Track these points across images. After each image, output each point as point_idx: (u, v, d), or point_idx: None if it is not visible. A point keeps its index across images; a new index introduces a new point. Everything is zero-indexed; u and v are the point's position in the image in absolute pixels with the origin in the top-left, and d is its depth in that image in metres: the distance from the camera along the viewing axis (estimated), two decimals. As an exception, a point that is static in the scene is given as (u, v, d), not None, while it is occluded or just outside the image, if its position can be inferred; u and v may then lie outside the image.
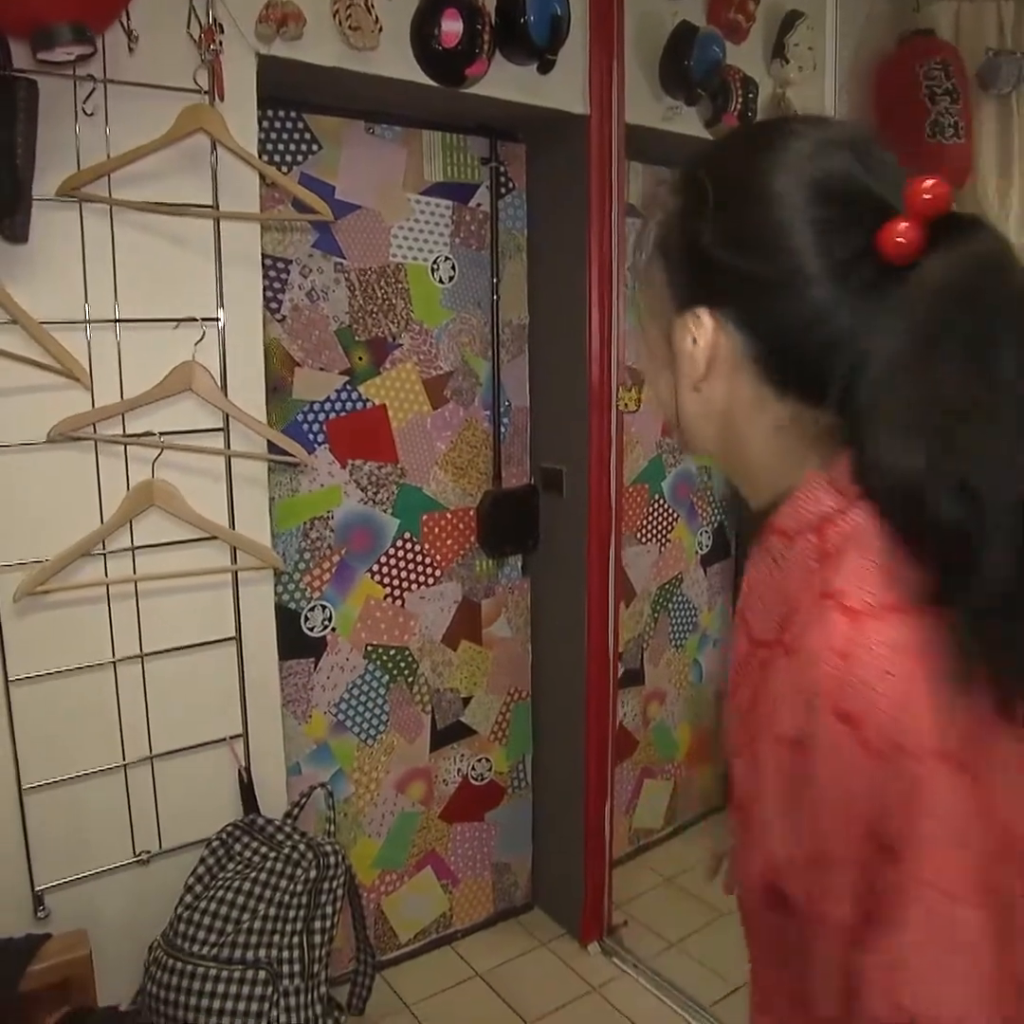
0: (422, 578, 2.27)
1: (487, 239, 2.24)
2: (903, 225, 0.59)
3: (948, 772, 0.54)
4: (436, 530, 2.27)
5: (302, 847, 1.66)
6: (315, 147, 1.98)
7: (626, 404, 2.15)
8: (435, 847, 2.38)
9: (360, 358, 2.09)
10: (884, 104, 2.56)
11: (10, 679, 1.55)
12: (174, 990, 1.57)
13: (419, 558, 2.25)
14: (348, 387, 2.09)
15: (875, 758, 0.54)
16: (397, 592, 2.22)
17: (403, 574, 2.23)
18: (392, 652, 2.24)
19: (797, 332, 0.63)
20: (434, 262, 2.17)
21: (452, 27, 1.79)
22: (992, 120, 2.57)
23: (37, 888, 1.61)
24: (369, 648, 2.20)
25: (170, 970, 1.58)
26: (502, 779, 2.48)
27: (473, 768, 2.42)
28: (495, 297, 2.26)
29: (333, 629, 2.13)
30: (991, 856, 0.56)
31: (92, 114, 1.53)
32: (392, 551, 2.20)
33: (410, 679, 2.29)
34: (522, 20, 1.87)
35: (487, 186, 2.21)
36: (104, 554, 1.62)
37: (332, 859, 1.66)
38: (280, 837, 1.70)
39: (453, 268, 2.20)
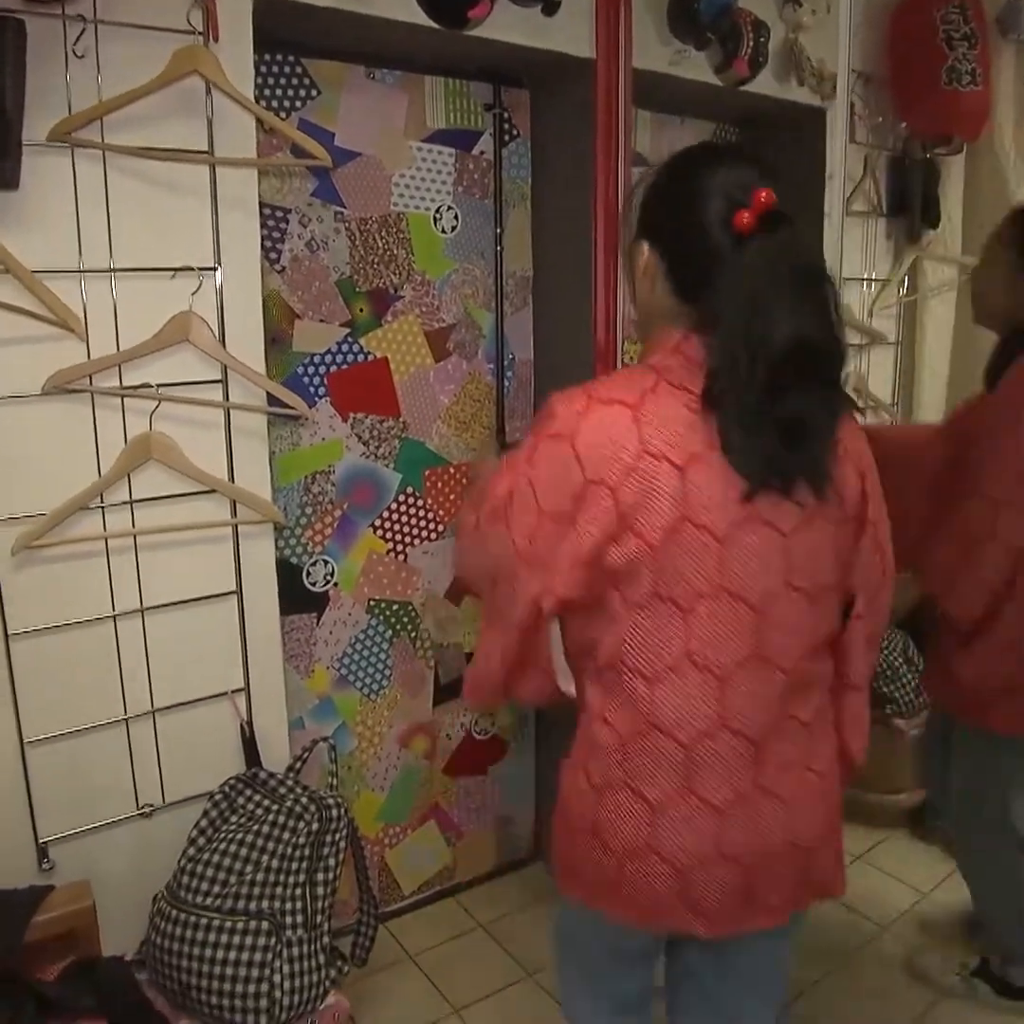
0: (425, 533, 2.25)
1: (490, 188, 2.20)
2: (746, 214, 1.05)
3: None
4: (439, 485, 2.25)
5: (304, 800, 1.66)
6: (314, 93, 1.92)
7: (632, 357, 2.11)
8: (438, 800, 2.40)
9: (361, 310, 2.06)
10: (900, 49, 2.50)
11: (10, 633, 1.54)
12: (178, 940, 1.58)
13: (422, 513, 2.24)
14: (349, 339, 2.06)
15: None
16: (400, 547, 2.22)
17: (406, 529, 2.22)
18: (395, 607, 2.24)
19: (689, 258, 1.11)
20: (437, 211, 2.14)
21: (455, -34, 1.75)
22: (1011, 67, 2.51)
23: (41, 840, 1.62)
24: (371, 603, 2.20)
25: (174, 921, 1.60)
26: (505, 732, 2.49)
27: (476, 722, 2.43)
28: (499, 248, 2.22)
29: (335, 584, 2.13)
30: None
31: (83, 56, 1.49)
32: (394, 506, 2.19)
33: (413, 634, 2.28)
34: (526, -42, 1.82)
35: (490, 133, 2.16)
36: (102, 508, 1.61)
37: (334, 812, 1.66)
38: (282, 790, 1.71)
39: (456, 217, 2.17)
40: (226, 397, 1.69)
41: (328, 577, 2.12)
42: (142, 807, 1.72)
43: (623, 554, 1.06)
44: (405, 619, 2.26)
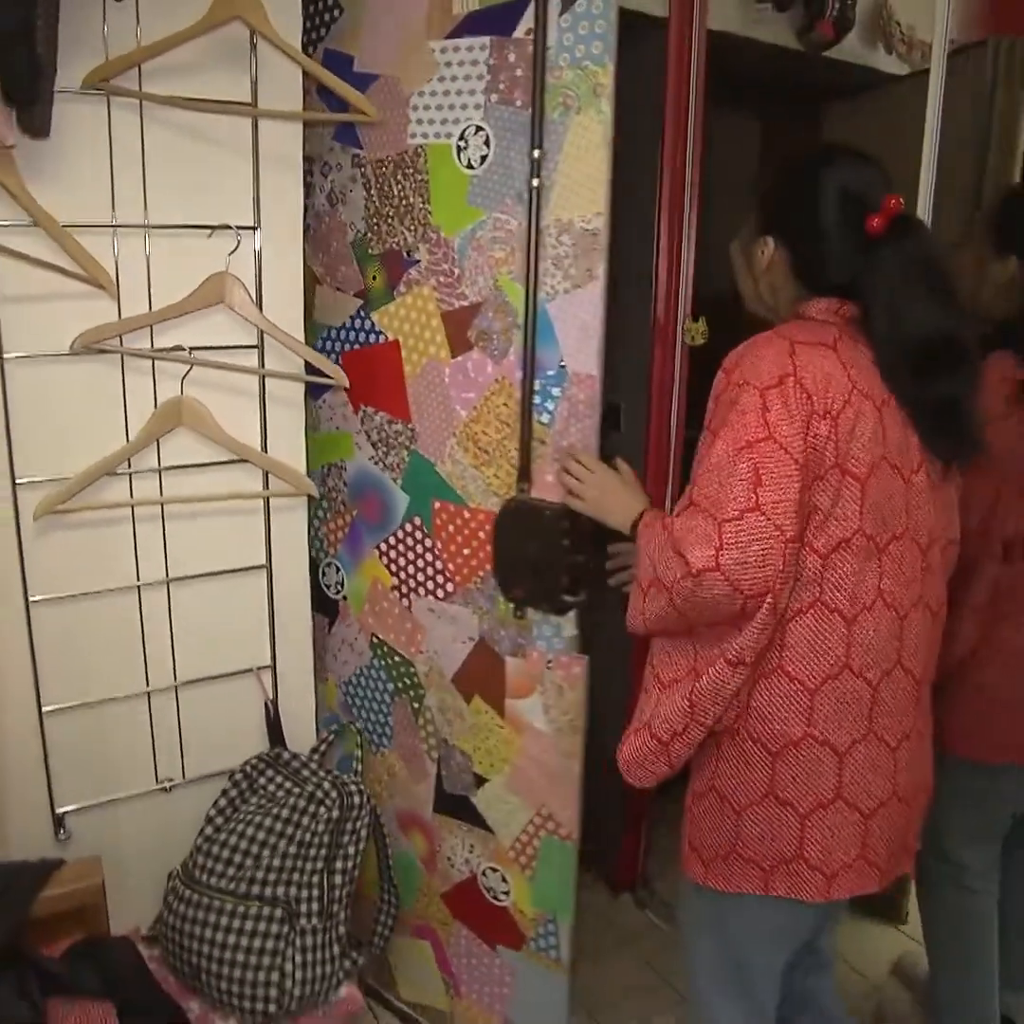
0: (432, 584, 1.72)
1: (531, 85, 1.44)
2: (877, 219, 1.15)
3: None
4: (450, 528, 1.67)
5: (327, 785, 1.61)
6: (336, 13, 1.65)
7: (693, 337, 1.99)
8: (435, 927, 1.90)
9: (374, 277, 1.69)
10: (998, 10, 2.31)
11: (31, 600, 1.50)
12: (190, 922, 1.54)
13: (429, 558, 1.72)
14: (362, 313, 1.71)
15: None
16: (405, 588, 1.76)
17: (411, 568, 1.74)
18: (397, 659, 1.81)
19: (817, 255, 1.22)
20: (461, 136, 1.53)
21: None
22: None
23: (58, 811, 1.59)
24: (375, 640, 1.83)
25: (187, 901, 1.55)
26: (525, 920, 1.77)
27: (486, 872, 1.77)
28: (534, 182, 1.43)
29: (344, 597, 1.87)
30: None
31: (121, 1, 1.41)
32: (401, 534, 1.74)
33: (416, 704, 1.80)
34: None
35: None
36: (129, 474, 1.55)
37: (356, 799, 1.61)
38: (305, 773, 1.65)
39: (487, 142, 1.50)
40: (261, 364, 1.62)
41: (338, 586, 1.87)
42: (161, 782, 1.68)
43: (831, 489, 1.10)
44: (407, 680, 1.80)
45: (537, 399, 1.51)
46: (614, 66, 1.37)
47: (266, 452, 1.64)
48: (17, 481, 1.46)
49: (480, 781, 1.72)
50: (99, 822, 1.63)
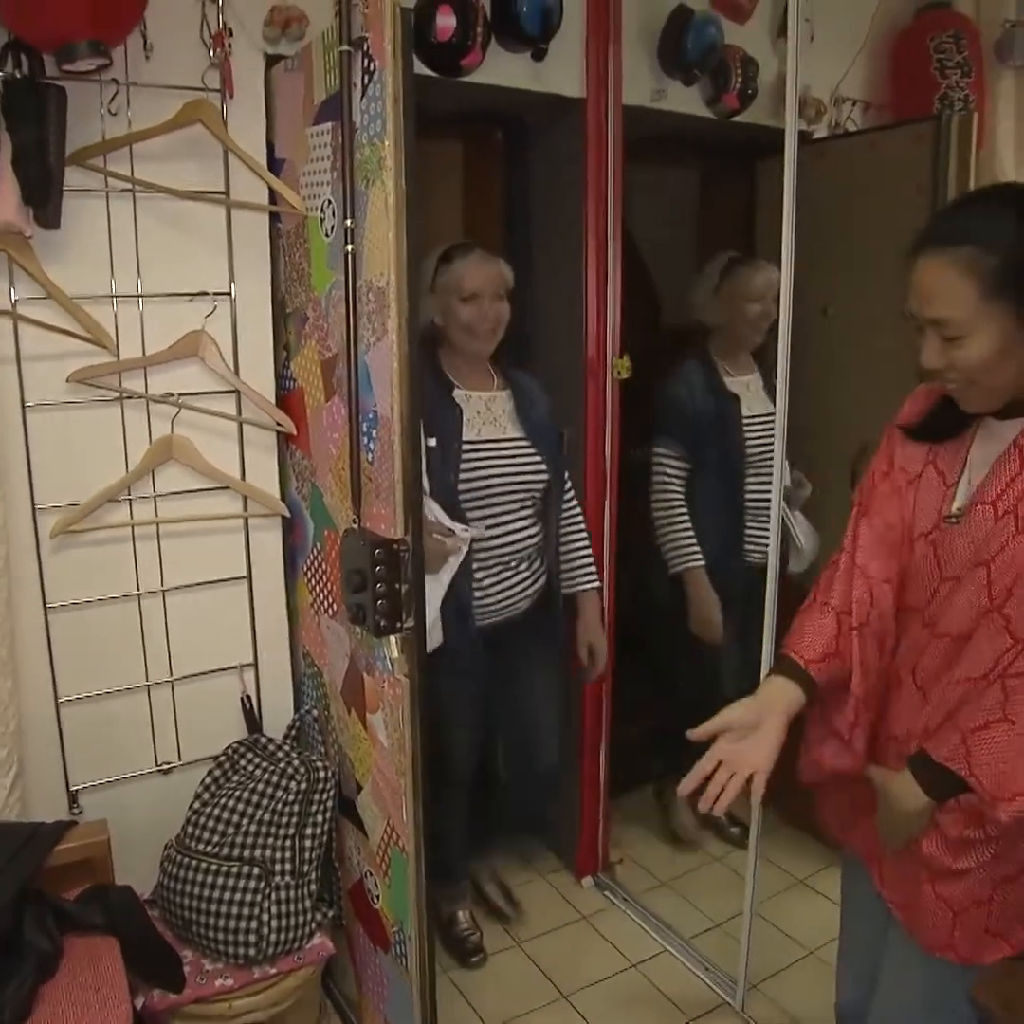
0: (328, 603, 1.93)
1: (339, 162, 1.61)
2: None
3: None
4: (332, 553, 1.87)
5: (296, 762, 1.87)
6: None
7: (620, 372, 2.27)
8: None
9: (290, 332, 1.95)
10: (898, 78, 2.59)
11: (48, 606, 1.80)
12: (182, 881, 1.81)
13: (325, 578, 1.94)
14: (286, 363, 1.98)
15: None
16: (317, 606, 1.98)
17: (319, 588, 1.97)
18: (315, 669, 2.05)
19: None
20: (321, 209, 1.75)
21: (446, 22, 1.94)
22: (1010, 92, 2.57)
23: (72, 787, 1.87)
24: (305, 653, 2.09)
25: (179, 864, 1.82)
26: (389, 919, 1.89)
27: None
28: (347, 247, 1.58)
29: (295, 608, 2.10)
30: None
31: (116, 114, 1.74)
32: (312, 555, 1.97)
33: (327, 712, 2.02)
34: (515, 11, 2.00)
35: (338, 76, 1.56)
36: (129, 499, 1.85)
37: (321, 774, 1.87)
38: (279, 754, 1.92)
39: (334, 213, 1.70)
40: (239, 408, 1.92)
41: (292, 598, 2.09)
42: (161, 764, 1.96)
43: None
44: (321, 688, 2.03)
45: (364, 440, 1.67)
46: (396, 142, 1.47)
47: (244, 479, 1.94)
48: (37, 507, 1.77)
49: (359, 787, 1.91)
50: (107, 798, 1.91)
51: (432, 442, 1.97)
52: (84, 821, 1.82)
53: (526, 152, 2.39)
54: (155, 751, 1.96)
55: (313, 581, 1.99)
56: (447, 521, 1.97)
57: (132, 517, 1.86)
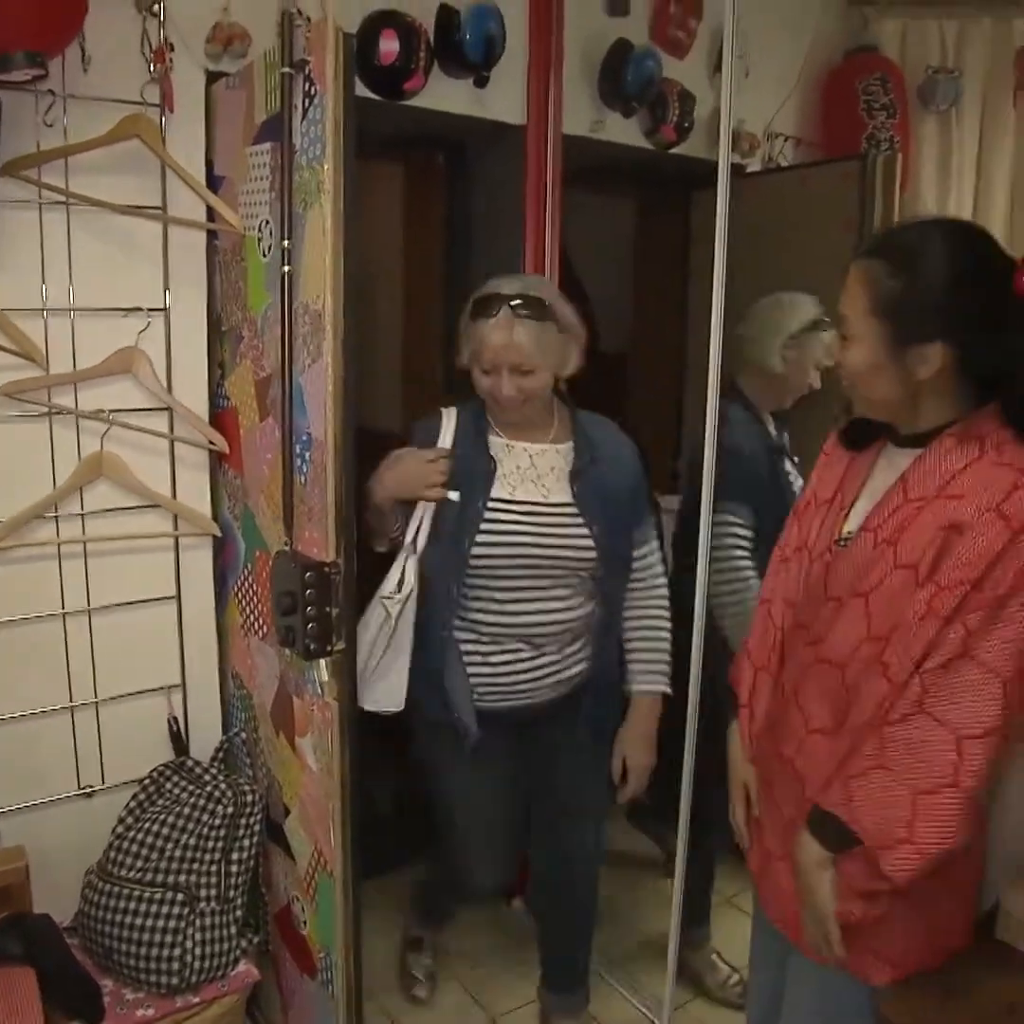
0: (258, 625, 1.91)
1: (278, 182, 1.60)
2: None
3: None
4: (264, 574, 1.83)
5: (223, 786, 1.85)
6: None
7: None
8: None
9: (225, 350, 1.93)
10: (828, 116, 2.68)
11: (-32, 624, 1.75)
12: (103, 909, 1.77)
13: (256, 600, 1.91)
14: (221, 381, 1.95)
15: None
16: (247, 627, 1.95)
17: (249, 609, 1.94)
18: (244, 691, 2.01)
19: (997, 333, 1.17)
20: (259, 229, 1.74)
21: (389, 46, 1.96)
22: (932, 136, 2.68)
23: (-11, 813, 1.82)
24: (234, 674, 2.05)
25: (101, 891, 1.78)
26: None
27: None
28: (284, 269, 1.58)
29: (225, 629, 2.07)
30: None
31: (52, 125, 1.71)
32: (243, 575, 1.94)
33: (255, 734, 1.99)
34: (458, 38, 2.03)
35: (280, 97, 1.56)
36: (56, 517, 1.81)
37: (248, 798, 1.84)
38: (206, 777, 1.89)
39: (272, 233, 1.69)
40: (171, 425, 1.89)
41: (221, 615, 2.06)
42: (84, 788, 1.91)
43: None
44: (249, 710, 2.00)
45: (297, 462, 1.66)
46: (336, 166, 1.47)
47: (176, 498, 1.91)
48: (-42, 523, 1.72)
49: (287, 811, 1.88)
50: (27, 824, 1.84)
51: (454, 496, 1.73)
52: (1, 847, 1.77)
53: (467, 176, 2.40)
54: (78, 774, 1.91)
55: (243, 602, 1.96)
56: (390, 585, 1.77)
57: (58, 535, 1.82)
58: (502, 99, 2.19)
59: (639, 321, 3.13)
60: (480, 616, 1.78)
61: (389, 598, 1.77)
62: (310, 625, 1.54)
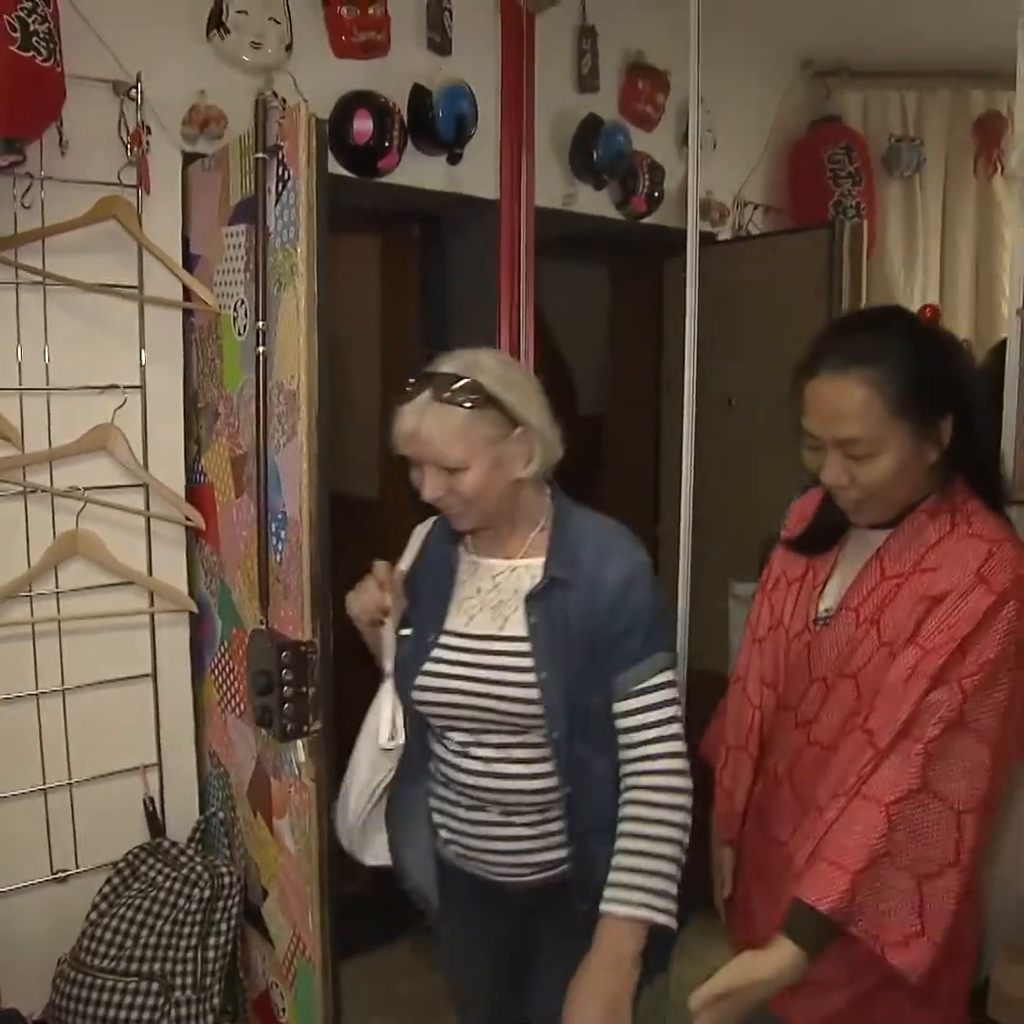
0: (235, 702, 1.87)
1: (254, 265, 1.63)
2: None
3: None
4: (240, 652, 1.80)
5: (200, 868, 1.81)
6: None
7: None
8: None
9: (201, 427, 1.93)
10: (796, 185, 2.75)
11: (-62, 707, 1.72)
12: (76, 1000, 1.71)
13: (233, 677, 1.87)
14: (197, 457, 1.95)
15: None
16: (223, 705, 1.92)
17: (226, 686, 1.91)
18: (222, 769, 1.98)
19: (981, 404, 1.25)
20: (234, 308, 1.76)
21: (363, 126, 2.00)
22: (897, 200, 2.75)
23: (-44, 901, 1.77)
24: (212, 752, 2.01)
25: (73, 982, 1.73)
26: None
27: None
28: (259, 349, 1.61)
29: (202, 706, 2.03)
30: None
31: (30, 207, 1.73)
32: (219, 655, 1.93)
33: (233, 813, 1.95)
34: (430, 117, 2.07)
35: (254, 181, 1.59)
36: (30, 596, 1.79)
37: (226, 880, 1.80)
38: (183, 859, 1.85)
39: (246, 313, 1.70)
40: (147, 502, 1.88)
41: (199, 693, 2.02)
42: (56, 872, 1.86)
43: None
44: (227, 789, 1.95)
45: (273, 540, 1.63)
46: (309, 249, 1.48)
47: (152, 574, 1.90)
48: (-71, 604, 1.70)
49: (265, 894, 1.81)
50: (-2, 912, 1.81)
51: (405, 632, 1.40)
52: (-29, 939, 1.73)
53: (443, 249, 2.44)
54: (50, 858, 1.86)
55: (220, 679, 1.93)
56: (384, 730, 1.40)
57: (32, 614, 1.80)
58: (475, 174, 2.24)
59: (615, 385, 3.16)
60: (443, 766, 1.42)
61: (389, 750, 1.42)
62: (286, 705, 1.53)
